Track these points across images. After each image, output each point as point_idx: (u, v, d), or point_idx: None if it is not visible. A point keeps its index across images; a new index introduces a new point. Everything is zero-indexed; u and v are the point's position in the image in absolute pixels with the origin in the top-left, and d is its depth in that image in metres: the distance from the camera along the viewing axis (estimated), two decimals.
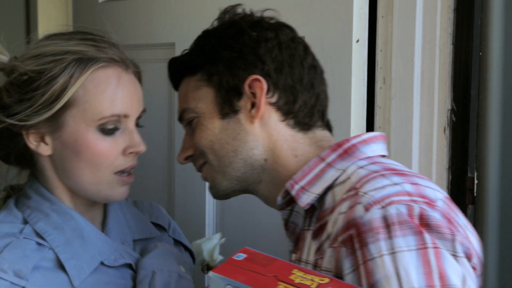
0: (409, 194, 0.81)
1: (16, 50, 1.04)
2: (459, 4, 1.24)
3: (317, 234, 0.89)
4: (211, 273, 0.82)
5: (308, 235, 0.92)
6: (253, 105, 0.96)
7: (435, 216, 0.80)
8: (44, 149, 1.01)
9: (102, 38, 1.03)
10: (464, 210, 1.26)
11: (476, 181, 1.24)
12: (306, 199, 0.91)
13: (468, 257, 0.80)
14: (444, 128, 1.26)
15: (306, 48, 1.01)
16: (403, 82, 1.29)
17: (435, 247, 0.77)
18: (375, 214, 0.79)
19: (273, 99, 0.96)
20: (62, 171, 1.02)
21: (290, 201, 0.94)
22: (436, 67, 1.26)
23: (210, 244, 1.11)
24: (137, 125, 1.04)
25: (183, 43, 1.59)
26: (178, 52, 1.61)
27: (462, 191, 1.26)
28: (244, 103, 0.96)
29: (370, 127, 1.36)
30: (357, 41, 1.29)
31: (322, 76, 1.02)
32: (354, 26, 1.28)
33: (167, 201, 1.67)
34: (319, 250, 0.87)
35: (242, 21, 1.00)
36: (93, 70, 0.98)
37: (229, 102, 0.96)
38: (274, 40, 0.97)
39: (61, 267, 0.98)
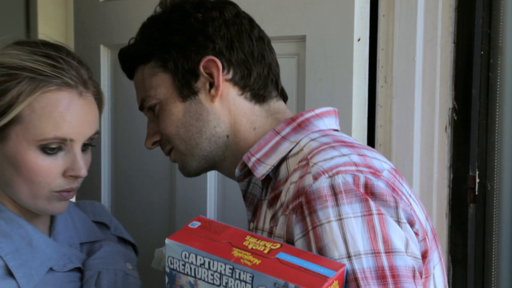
0: (355, 164, 0.86)
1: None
2: (460, 3, 1.24)
3: (272, 203, 0.93)
4: (167, 240, 0.84)
5: (264, 204, 0.96)
6: (211, 85, 0.99)
7: (379, 185, 0.85)
8: None
9: (65, 57, 1.01)
10: (465, 209, 1.27)
11: (477, 180, 1.24)
12: (261, 171, 0.95)
13: (411, 223, 0.85)
14: (446, 126, 1.27)
15: (251, 21, 1.04)
16: (404, 81, 1.29)
17: (379, 214, 0.82)
18: (323, 183, 0.83)
19: (229, 76, 1.00)
20: (2, 181, 1.02)
21: (247, 173, 0.99)
22: (437, 66, 1.26)
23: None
24: (90, 144, 1.04)
25: None
26: None
27: (464, 189, 1.26)
28: (201, 84, 1.00)
29: (371, 125, 1.36)
30: (358, 39, 1.29)
31: (270, 46, 1.06)
32: (355, 25, 1.28)
33: (169, 201, 1.67)
34: (274, 218, 0.91)
35: (185, 4, 1.02)
36: (42, 92, 0.97)
37: (187, 85, 1.00)
38: (220, 19, 1.00)
39: (11, 274, 0.98)
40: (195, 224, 0.87)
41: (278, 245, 0.81)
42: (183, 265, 0.83)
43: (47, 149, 0.98)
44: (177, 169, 1.60)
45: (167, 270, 0.85)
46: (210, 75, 0.99)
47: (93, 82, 1.04)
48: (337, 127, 1.01)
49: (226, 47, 0.99)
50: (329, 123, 0.99)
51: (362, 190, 0.83)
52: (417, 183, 1.30)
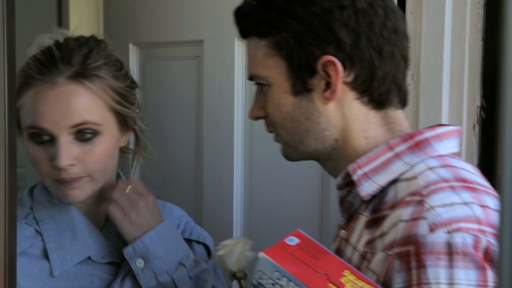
0: (478, 221, 0.77)
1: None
2: None
3: (371, 225, 0.85)
4: (261, 254, 0.79)
5: (362, 220, 0.88)
6: (327, 84, 0.89)
7: None
8: None
9: (57, 52, 1.02)
10: None
11: None
12: (367, 189, 0.87)
13: None
14: (474, 125, 1.25)
15: (386, 10, 0.89)
16: (432, 79, 1.28)
17: None
18: (440, 238, 0.75)
19: (349, 79, 0.88)
20: None
21: (350, 183, 0.91)
22: (465, 63, 1.25)
23: (233, 257, 1.01)
24: (90, 133, 1.02)
25: (212, 40, 1.60)
26: (206, 49, 1.62)
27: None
28: (317, 81, 0.89)
29: None
30: None
31: (405, 34, 0.93)
32: None
33: (195, 199, 1.69)
34: (370, 244, 0.83)
35: None
36: (24, 92, 1.02)
37: (301, 79, 0.89)
38: (350, 8, 0.87)
39: (46, 256, 1.04)
40: (293, 240, 0.81)
41: None
42: (272, 284, 0.78)
43: (34, 138, 1.02)
44: (204, 177, 1.63)
45: (254, 282, 0.81)
46: (328, 74, 0.88)
47: (90, 72, 1.02)
48: (458, 149, 0.91)
49: (351, 44, 0.86)
50: (450, 146, 0.89)
51: (481, 255, 0.75)
52: None
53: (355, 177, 0.88)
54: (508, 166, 0.40)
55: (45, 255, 1.04)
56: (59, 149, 1.00)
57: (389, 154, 0.87)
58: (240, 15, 0.95)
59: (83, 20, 2.06)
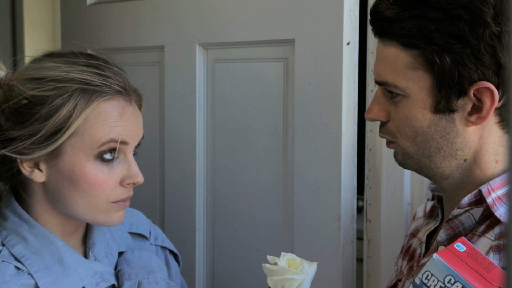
0: None
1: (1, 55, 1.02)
2: None
3: (501, 249, 0.83)
4: (435, 256, 0.77)
5: (484, 243, 0.86)
6: (474, 107, 0.85)
7: None
8: (38, 176, 0.98)
9: (106, 65, 1.00)
10: None
11: None
12: (504, 214, 0.84)
13: None
14: None
15: None
16: None
17: None
18: None
19: (499, 105, 0.85)
20: (55, 198, 0.99)
21: (474, 203, 0.89)
22: None
23: (297, 282, 0.89)
24: (134, 153, 1.02)
25: (173, 45, 1.58)
26: (167, 55, 1.60)
27: None
28: (463, 103, 0.86)
29: (361, 130, 1.35)
30: (348, 43, 1.28)
31: None
32: (344, 29, 1.27)
33: (157, 208, 1.66)
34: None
35: (483, 7, 0.82)
36: (98, 103, 0.96)
37: (447, 99, 0.86)
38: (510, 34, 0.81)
39: None
40: (461, 247, 0.79)
41: None
42: (441, 287, 0.76)
43: (104, 158, 0.96)
44: (166, 170, 1.60)
45: (417, 281, 0.78)
46: (480, 100, 0.84)
47: (134, 88, 1.03)
48: None
49: (504, 69, 0.83)
50: None
51: None
52: (408, 189, 1.29)
53: (489, 200, 0.86)
54: None
55: None
56: (134, 165, 1.00)
57: None
58: (380, 17, 0.89)
59: (37, 25, 2.00)
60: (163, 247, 1.19)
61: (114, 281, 1.04)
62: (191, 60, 1.53)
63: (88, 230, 1.07)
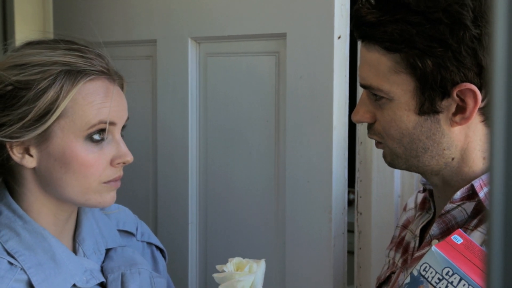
0: None
1: None
2: None
3: None
4: (433, 248, 0.77)
5: (478, 236, 0.87)
6: (458, 108, 0.87)
7: None
8: (29, 161, 0.98)
9: (87, 48, 1.01)
10: None
11: None
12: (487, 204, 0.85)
13: None
14: None
15: None
16: None
17: None
18: None
19: (482, 104, 0.86)
20: (47, 182, 0.99)
21: (466, 198, 0.90)
22: None
23: (248, 282, 0.91)
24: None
25: (165, 39, 1.58)
26: (160, 49, 1.60)
27: None
28: (447, 104, 0.87)
29: (352, 124, 1.36)
30: (339, 37, 1.29)
31: None
32: (335, 22, 1.28)
33: (149, 201, 1.66)
34: None
35: (462, 10, 0.83)
36: (83, 83, 0.97)
37: (431, 101, 0.87)
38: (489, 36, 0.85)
39: None
40: (458, 239, 0.79)
41: None
42: (438, 279, 0.76)
43: (94, 138, 0.98)
44: (158, 163, 1.61)
45: (415, 273, 0.79)
46: (463, 101, 0.86)
47: (116, 70, 1.04)
48: None
49: (485, 70, 0.84)
50: None
51: None
52: (398, 182, 1.31)
53: (481, 194, 0.88)
54: None
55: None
56: (122, 145, 1.01)
57: None
58: (362, 21, 0.90)
59: (28, 18, 2.00)
60: (149, 243, 1.19)
61: (102, 278, 1.04)
62: (183, 54, 1.54)
63: (77, 225, 1.07)
